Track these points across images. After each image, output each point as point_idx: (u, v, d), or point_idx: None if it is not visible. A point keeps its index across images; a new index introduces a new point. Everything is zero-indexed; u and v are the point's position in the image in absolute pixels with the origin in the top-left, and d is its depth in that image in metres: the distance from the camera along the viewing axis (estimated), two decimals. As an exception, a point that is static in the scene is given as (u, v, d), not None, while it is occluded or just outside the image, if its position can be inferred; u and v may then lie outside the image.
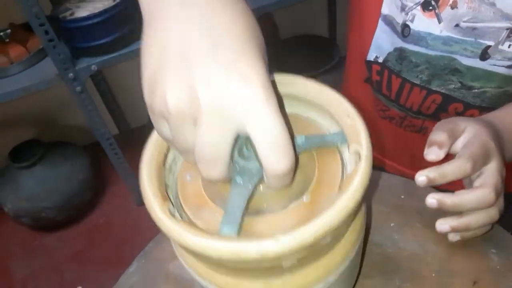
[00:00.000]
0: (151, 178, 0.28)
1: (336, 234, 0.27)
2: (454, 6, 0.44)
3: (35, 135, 1.65)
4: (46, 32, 1.06)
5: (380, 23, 0.52)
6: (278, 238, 0.23)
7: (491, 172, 0.37)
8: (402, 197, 0.48)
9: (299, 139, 0.29)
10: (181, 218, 0.28)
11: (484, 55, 0.45)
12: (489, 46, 0.45)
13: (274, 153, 0.23)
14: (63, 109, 1.68)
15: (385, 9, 0.51)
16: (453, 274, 0.40)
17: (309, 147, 0.30)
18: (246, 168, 0.26)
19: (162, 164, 0.30)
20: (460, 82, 0.49)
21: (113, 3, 1.12)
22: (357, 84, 0.61)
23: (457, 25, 0.45)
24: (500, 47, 0.44)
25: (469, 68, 0.47)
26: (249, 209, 0.27)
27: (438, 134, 0.39)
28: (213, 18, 0.23)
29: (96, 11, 1.11)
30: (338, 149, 0.31)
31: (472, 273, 0.39)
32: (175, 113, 0.22)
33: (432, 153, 0.39)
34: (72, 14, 1.14)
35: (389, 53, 0.53)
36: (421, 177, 0.38)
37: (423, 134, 0.57)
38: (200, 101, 0.22)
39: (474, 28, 0.44)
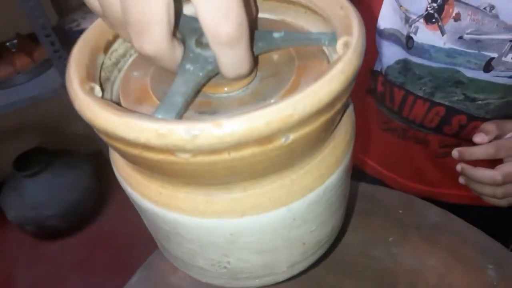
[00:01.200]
0: (81, 57, 0.23)
1: (302, 138, 0.20)
2: (457, 19, 0.44)
3: (40, 143, 1.67)
4: (52, 43, 1.08)
5: (377, 37, 0.52)
6: (218, 121, 0.18)
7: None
8: (400, 211, 0.48)
9: (277, 33, 0.24)
10: None
11: (487, 67, 0.46)
12: (492, 58, 0.45)
13: (215, 13, 0.18)
14: (67, 118, 1.69)
15: (383, 24, 0.51)
16: (450, 289, 0.40)
17: (288, 43, 0.24)
18: (201, 55, 0.22)
19: (103, 51, 0.25)
20: (464, 94, 0.49)
21: (118, 15, 1.13)
22: (359, 96, 0.62)
23: (460, 37, 0.45)
24: (503, 58, 0.44)
25: (473, 80, 0.47)
26: (205, 111, 0.23)
27: (489, 123, 0.45)
28: None
29: (102, 22, 1.12)
30: (326, 54, 0.26)
31: (470, 288, 0.40)
32: None
33: (478, 137, 0.45)
34: (78, 25, 1.16)
35: (388, 67, 0.53)
36: (455, 151, 0.47)
37: (426, 146, 0.57)
38: None
39: (478, 40, 0.44)
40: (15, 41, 1.35)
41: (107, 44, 0.26)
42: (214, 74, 0.22)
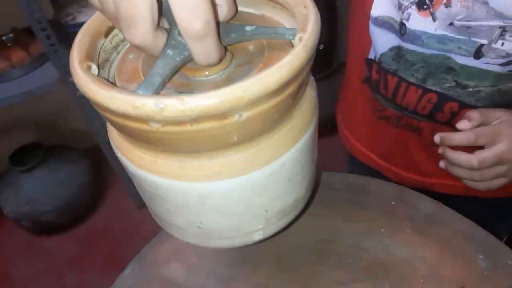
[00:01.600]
0: (83, 41, 0.28)
1: (255, 116, 0.24)
2: (448, 5, 0.44)
3: (36, 138, 1.66)
4: (48, 37, 1.07)
5: (371, 25, 0.53)
6: (182, 97, 0.21)
7: (493, 150, 0.45)
8: (393, 203, 0.49)
9: (249, 27, 0.28)
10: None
11: (478, 53, 0.46)
12: (482, 45, 0.45)
13: (187, 12, 0.22)
14: (63, 113, 1.69)
15: (376, 11, 0.51)
16: (441, 279, 0.40)
17: (258, 36, 0.28)
18: (181, 43, 0.26)
19: (104, 35, 0.29)
20: (455, 81, 0.50)
21: (114, 9, 1.13)
22: (356, 85, 0.62)
23: (451, 24, 0.45)
24: (493, 45, 0.45)
25: (464, 67, 0.48)
26: (183, 91, 0.27)
27: (473, 111, 0.46)
28: None
29: (98, 16, 1.12)
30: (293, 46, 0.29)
31: (460, 279, 0.40)
32: None
33: (461, 123, 0.46)
34: (74, 19, 1.15)
35: (382, 54, 0.53)
36: (437, 136, 0.48)
37: (419, 134, 0.58)
38: None
39: (468, 27, 0.45)
40: (11, 35, 1.34)
41: (108, 30, 0.29)
42: (189, 60, 0.26)
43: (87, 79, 0.24)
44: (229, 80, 0.27)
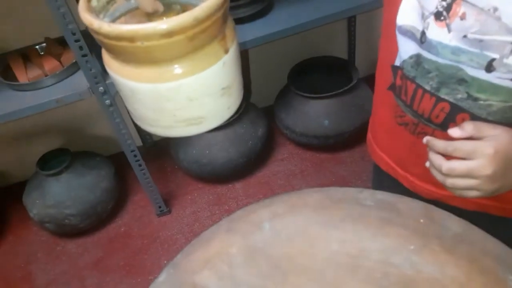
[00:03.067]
0: None
1: (152, 46, 0.39)
2: (463, 18, 0.46)
3: (63, 144, 1.71)
4: (81, 48, 1.11)
5: (396, 33, 0.55)
6: (110, 24, 0.39)
7: (464, 163, 0.48)
8: (421, 221, 0.50)
9: None
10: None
11: (489, 67, 0.47)
12: (494, 59, 0.46)
13: None
14: (90, 120, 1.74)
15: (401, 20, 0.53)
16: (470, 298, 0.41)
17: (188, 2, 0.45)
18: None
19: None
20: (467, 93, 0.51)
21: (145, 22, 1.17)
22: (382, 92, 0.64)
23: (465, 36, 0.47)
24: (504, 60, 0.46)
25: (475, 79, 0.49)
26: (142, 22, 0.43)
27: (468, 122, 0.49)
28: None
29: (128, 28, 1.16)
30: None
31: (489, 298, 0.41)
32: None
33: (452, 130, 0.49)
34: (105, 30, 1.19)
35: (404, 61, 0.55)
36: (425, 138, 0.53)
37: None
38: None
39: (481, 40, 0.46)
40: (44, 44, 1.39)
41: None
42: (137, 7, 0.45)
43: (81, 5, 0.41)
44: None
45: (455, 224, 0.49)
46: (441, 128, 0.56)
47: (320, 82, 1.72)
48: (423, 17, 0.50)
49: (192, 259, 0.51)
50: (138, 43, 0.38)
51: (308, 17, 1.32)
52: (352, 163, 1.66)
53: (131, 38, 0.37)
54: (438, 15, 0.48)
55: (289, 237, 0.50)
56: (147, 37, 0.37)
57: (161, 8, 0.42)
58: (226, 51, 0.45)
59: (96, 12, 0.45)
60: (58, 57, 1.32)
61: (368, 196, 0.53)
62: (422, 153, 0.62)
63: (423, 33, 0.51)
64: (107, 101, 1.23)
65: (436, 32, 0.49)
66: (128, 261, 1.47)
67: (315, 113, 1.56)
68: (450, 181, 0.50)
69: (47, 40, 1.39)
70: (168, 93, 0.43)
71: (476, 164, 0.47)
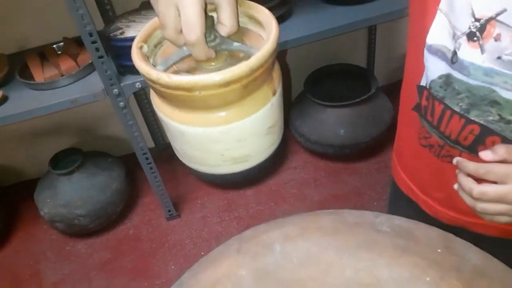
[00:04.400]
0: (145, 30, 0.45)
1: (209, 95, 0.39)
2: (497, 39, 0.45)
3: (75, 143, 1.72)
4: (97, 49, 1.11)
5: (425, 52, 0.53)
6: (169, 75, 0.38)
7: (496, 187, 0.46)
8: (439, 250, 0.47)
9: (236, 43, 0.43)
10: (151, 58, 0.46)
11: None
12: None
13: (185, 26, 0.38)
14: (103, 120, 1.74)
15: (432, 39, 0.52)
16: None
17: (240, 50, 0.43)
18: None
19: (159, 28, 0.45)
20: (499, 115, 0.49)
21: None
22: (407, 112, 0.63)
23: (499, 58, 0.45)
24: None
25: (508, 102, 0.47)
26: (189, 71, 0.44)
27: (501, 145, 0.46)
28: None
29: (145, 32, 1.15)
30: None
31: None
32: None
33: (484, 153, 0.47)
34: (122, 33, 1.19)
35: (432, 81, 0.54)
36: (455, 159, 0.50)
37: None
38: None
39: None
40: (61, 44, 1.40)
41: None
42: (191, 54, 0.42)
43: (136, 55, 0.42)
44: (218, 70, 0.40)
45: (475, 255, 0.47)
46: (469, 150, 0.54)
47: (337, 90, 1.70)
48: (455, 37, 0.49)
49: (200, 278, 0.49)
50: (196, 93, 0.39)
51: (328, 25, 1.30)
52: (367, 174, 1.64)
53: (189, 89, 0.38)
54: (470, 36, 0.47)
55: (300, 261, 0.48)
56: (206, 87, 0.38)
57: (213, 55, 0.41)
58: (274, 93, 0.46)
59: (155, 44, 0.47)
60: (74, 57, 1.33)
61: (384, 221, 0.51)
62: (446, 177, 0.60)
63: (454, 53, 0.49)
64: (121, 103, 1.23)
65: (469, 53, 0.48)
66: (135, 264, 1.47)
67: (331, 122, 1.54)
68: (480, 206, 0.48)
69: (65, 39, 1.40)
70: (218, 135, 0.44)
71: (509, 188, 0.46)
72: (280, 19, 1.34)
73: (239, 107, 0.43)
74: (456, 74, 0.50)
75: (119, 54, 1.20)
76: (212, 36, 0.41)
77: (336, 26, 1.29)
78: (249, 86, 0.41)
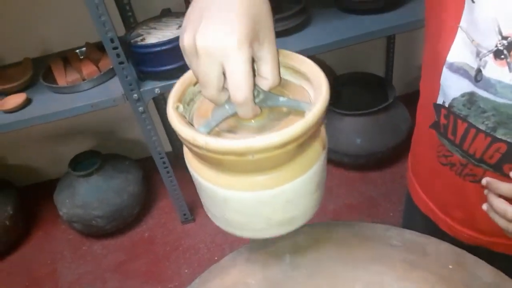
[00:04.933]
0: (179, 88, 0.41)
1: (263, 158, 0.35)
2: None
3: (94, 146, 1.76)
4: (118, 55, 1.14)
5: (445, 70, 0.52)
6: (218, 139, 0.34)
7: None
8: (450, 267, 0.47)
9: (282, 98, 0.39)
10: (187, 118, 0.41)
11: None
12: None
13: (233, 86, 0.34)
14: (122, 123, 1.77)
15: (453, 57, 0.51)
16: None
17: (287, 105, 0.40)
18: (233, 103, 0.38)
19: (193, 84, 0.42)
20: None
21: (181, 32, 1.19)
22: (423, 130, 0.62)
23: None
24: None
25: None
26: (231, 130, 0.40)
27: None
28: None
29: (165, 39, 1.18)
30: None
31: None
32: (184, 50, 0.36)
33: None
34: (143, 39, 1.22)
35: (454, 99, 0.53)
36: (484, 180, 0.50)
37: (482, 186, 0.56)
38: (196, 42, 0.34)
39: None
40: (83, 48, 1.43)
41: (196, 81, 0.41)
42: (235, 113, 0.38)
43: (173, 116, 0.37)
44: (261, 128, 0.39)
45: (486, 273, 0.46)
46: (494, 169, 0.53)
47: (354, 99, 1.70)
48: (479, 55, 0.48)
49: (209, 286, 0.50)
50: (249, 157, 0.35)
51: (346, 34, 1.30)
52: (382, 185, 1.62)
53: (242, 153, 0.34)
54: (498, 54, 0.46)
55: (309, 272, 0.49)
56: (262, 150, 0.34)
57: (259, 112, 0.38)
58: (324, 147, 0.43)
59: (187, 102, 0.43)
60: (96, 62, 1.36)
61: (395, 235, 0.51)
62: (468, 196, 0.59)
63: (478, 71, 0.48)
64: (140, 108, 1.25)
65: (495, 71, 0.47)
66: (149, 267, 1.49)
67: (348, 131, 1.54)
68: None
69: (87, 45, 1.43)
70: (268, 199, 0.40)
71: None
72: (298, 28, 1.35)
73: (291, 166, 0.39)
74: (481, 92, 0.49)
75: (139, 60, 1.23)
76: (256, 92, 0.37)
77: (354, 35, 1.29)
78: (303, 144, 0.37)
